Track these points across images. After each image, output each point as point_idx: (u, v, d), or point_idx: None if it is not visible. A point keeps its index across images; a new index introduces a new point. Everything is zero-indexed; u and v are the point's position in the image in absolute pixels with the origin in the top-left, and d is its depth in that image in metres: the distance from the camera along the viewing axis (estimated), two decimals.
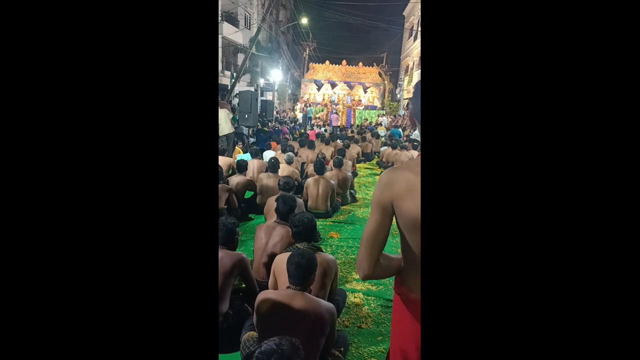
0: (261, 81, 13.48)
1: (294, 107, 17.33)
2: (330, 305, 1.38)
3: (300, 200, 2.95)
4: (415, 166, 0.76)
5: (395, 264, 0.86)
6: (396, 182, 0.78)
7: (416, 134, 7.76)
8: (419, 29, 17.68)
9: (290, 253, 1.48)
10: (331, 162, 4.32)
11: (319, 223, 3.23)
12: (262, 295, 1.40)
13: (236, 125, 6.93)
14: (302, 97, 16.55)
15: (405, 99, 18.00)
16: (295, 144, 5.80)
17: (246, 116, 6.72)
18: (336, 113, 13.44)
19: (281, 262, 1.63)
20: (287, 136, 8.34)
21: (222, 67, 13.48)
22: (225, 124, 5.48)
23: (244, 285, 1.87)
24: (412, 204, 0.74)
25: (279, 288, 1.61)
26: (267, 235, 2.09)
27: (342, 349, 1.49)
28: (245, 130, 7.18)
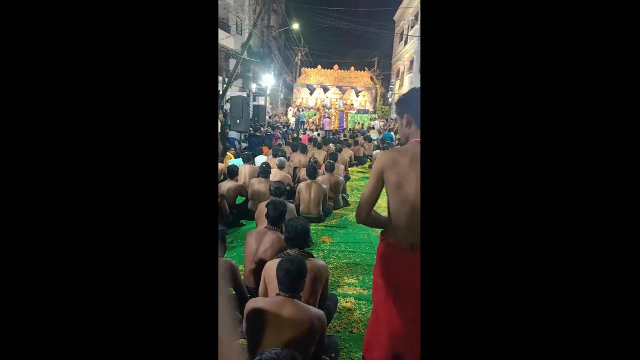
0: (253, 86, 13.48)
1: (286, 112, 17.35)
2: (321, 312, 1.37)
3: (292, 206, 2.94)
4: (403, 151, 1.19)
5: (382, 219, 1.30)
6: (386, 159, 1.20)
7: None
8: (409, 33, 17.87)
9: (280, 260, 1.47)
10: (324, 167, 4.33)
11: (312, 228, 3.21)
12: (252, 303, 1.38)
13: (228, 130, 6.91)
14: (295, 102, 16.58)
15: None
16: (288, 149, 5.79)
17: (238, 122, 6.71)
18: (329, 117, 13.48)
19: (271, 268, 1.62)
20: (280, 141, 8.34)
21: None
22: None
23: (234, 293, 1.85)
24: (395, 174, 1.15)
25: (270, 295, 1.60)
26: (257, 241, 2.07)
27: (333, 354, 1.48)
28: (237, 136, 7.16)
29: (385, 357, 1.25)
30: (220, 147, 5.90)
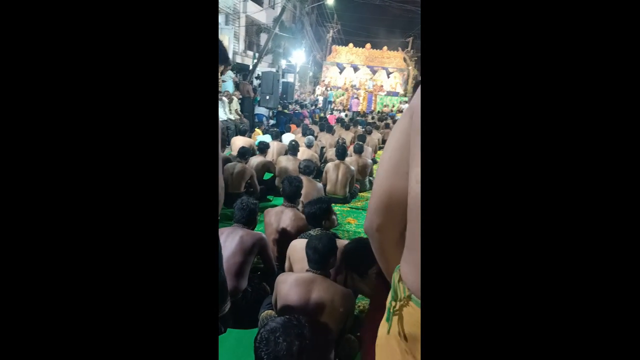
0: (283, 62, 13.35)
1: (314, 90, 17.12)
2: (349, 291, 1.38)
3: (319, 185, 2.94)
4: None
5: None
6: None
7: None
8: None
9: (304, 239, 1.48)
10: (351, 148, 4.28)
11: (337, 208, 3.22)
12: (282, 276, 1.42)
13: (256, 105, 6.92)
14: (323, 80, 16.30)
15: None
16: (315, 128, 5.76)
17: (267, 97, 6.70)
18: (357, 98, 13.22)
19: (296, 248, 1.64)
20: (307, 120, 8.29)
21: (245, 46, 13.40)
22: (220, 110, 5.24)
23: (262, 265, 1.90)
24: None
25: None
26: (277, 219, 2.09)
27: (359, 333, 1.50)
28: (265, 112, 7.17)
29: None
30: (248, 122, 5.94)
